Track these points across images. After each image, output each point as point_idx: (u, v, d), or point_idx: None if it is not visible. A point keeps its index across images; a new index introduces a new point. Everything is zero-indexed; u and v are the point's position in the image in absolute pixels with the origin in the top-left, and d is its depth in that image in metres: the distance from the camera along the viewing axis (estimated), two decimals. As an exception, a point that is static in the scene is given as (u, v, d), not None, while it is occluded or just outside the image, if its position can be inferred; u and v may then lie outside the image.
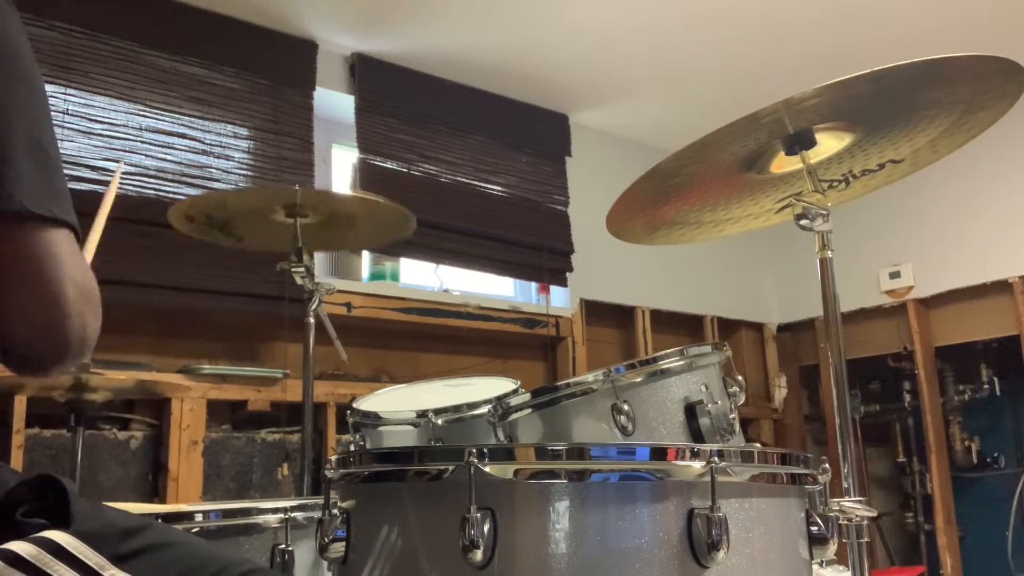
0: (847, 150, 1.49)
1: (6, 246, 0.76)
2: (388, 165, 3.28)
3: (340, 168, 3.41)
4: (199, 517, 1.35)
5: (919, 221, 3.97)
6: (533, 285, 3.78)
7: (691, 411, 1.34)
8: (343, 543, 0.99)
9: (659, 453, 0.92)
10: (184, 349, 2.79)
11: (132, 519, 0.85)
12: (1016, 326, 3.64)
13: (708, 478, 0.89)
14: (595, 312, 3.82)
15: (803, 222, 1.42)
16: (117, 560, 0.76)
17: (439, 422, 1.65)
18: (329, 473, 1.03)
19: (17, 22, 0.80)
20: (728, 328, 4.35)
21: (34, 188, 0.77)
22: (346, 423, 1.81)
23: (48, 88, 2.55)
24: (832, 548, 1.01)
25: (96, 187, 2.59)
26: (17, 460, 2.35)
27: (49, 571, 0.72)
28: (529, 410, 1.38)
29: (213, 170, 2.85)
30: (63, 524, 0.76)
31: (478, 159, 3.55)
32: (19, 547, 0.72)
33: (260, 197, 2.26)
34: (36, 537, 0.73)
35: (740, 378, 1.44)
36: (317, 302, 2.16)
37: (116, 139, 2.68)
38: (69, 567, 0.73)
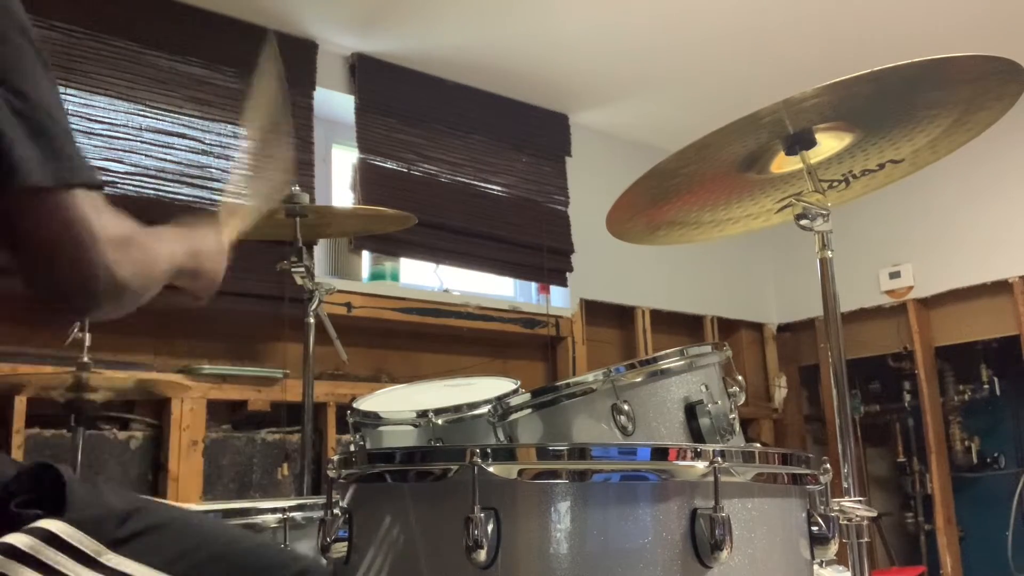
0: (847, 150, 1.49)
1: (37, 215, 0.78)
2: (388, 165, 3.28)
3: (340, 168, 3.41)
4: (199, 517, 1.35)
5: (919, 221, 3.97)
6: (533, 285, 3.78)
7: (691, 411, 1.33)
8: (345, 543, 0.99)
9: (660, 453, 0.92)
10: (184, 349, 2.79)
11: (131, 501, 0.85)
12: (1016, 326, 3.64)
13: (711, 478, 0.89)
14: (595, 312, 3.83)
15: (803, 222, 1.42)
16: (114, 544, 0.77)
17: (439, 422, 1.65)
18: (331, 473, 1.03)
19: None
20: (728, 328, 4.35)
21: (41, 158, 0.77)
22: (346, 423, 1.81)
23: (48, 88, 2.56)
24: (833, 548, 1.01)
25: (96, 187, 2.59)
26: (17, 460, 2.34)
27: (46, 560, 0.72)
28: (529, 410, 1.38)
29: (213, 170, 2.85)
30: (58, 512, 0.76)
31: (478, 159, 3.55)
32: (16, 539, 0.72)
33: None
34: (32, 528, 0.74)
35: (740, 378, 1.44)
36: (317, 302, 2.16)
37: (116, 139, 2.68)
38: (66, 555, 0.73)
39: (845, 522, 1.19)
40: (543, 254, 3.62)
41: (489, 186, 3.56)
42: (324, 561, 0.99)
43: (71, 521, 0.76)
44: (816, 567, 1.04)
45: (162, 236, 0.95)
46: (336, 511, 1.01)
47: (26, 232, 0.78)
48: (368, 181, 3.20)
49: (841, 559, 1.27)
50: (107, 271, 0.82)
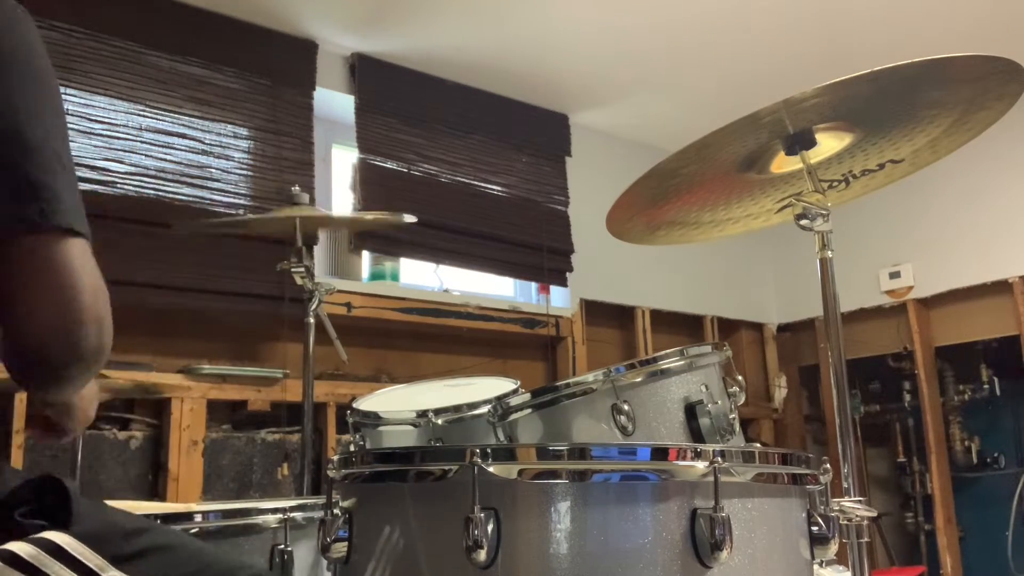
0: (847, 150, 1.49)
1: (27, 257, 0.77)
2: (388, 165, 3.28)
3: (340, 168, 3.41)
4: (198, 517, 1.35)
5: (919, 221, 3.97)
6: (533, 285, 3.78)
7: (691, 411, 1.34)
8: (345, 543, 0.99)
9: (660, 453, 0.92)
10: (184, 349, 2.79)
11: (135, 520, 0.85)
12: (1016, 326, 3.64)
13: (711, 478, 0.89)
14: (595, 312, 3.82)
15: (803, 222, 1.42)
16: (117, 561, 0.76)
17: (439, 422, 1.65)
18: (331, 473, 1.03)
19: (32, 27, 0.80)
20: (728, 328, 4.35)
21: (54, 202, 0.77)
22: (346, 423, 1.81)
23: (48, 88, 2.56)
24: (833, 548, 1.01)
25: (96, 187, 2.59)
26: (17, 460, 2.34)
27: (47, 571, 0.72)
28: (529, 410, 1.38)
29: (213, 170, 2.85)
30: (63, 524, 0.76)
31: (478, 159, 3.55)
32: (18, 547, 0.72)
33: (257, 224, 2.34)
34: (35, 538, 0.73)
35: (740, 378, 1.44)
36: (317, 302, 2.16)
37: (116, 139, 2.68)
38: (68, 567, 0.73)
39: (845, 522, 1.19)
40: (543, 254, 3.62)
41: (489, 186, 3.56)
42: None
43: (76, 534, 0.75)
44: (816, 567, 1.04)
45: None
46: (336, 511, 1.02)
47: (7, 276, 0.76)
48: (368, 181, 3.19)
49: (841, 559, 1.27)
50: (96, 327, 0.79)
